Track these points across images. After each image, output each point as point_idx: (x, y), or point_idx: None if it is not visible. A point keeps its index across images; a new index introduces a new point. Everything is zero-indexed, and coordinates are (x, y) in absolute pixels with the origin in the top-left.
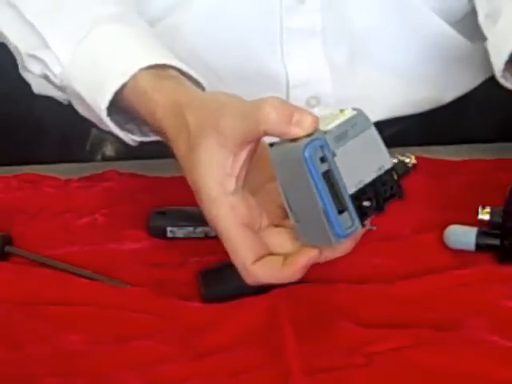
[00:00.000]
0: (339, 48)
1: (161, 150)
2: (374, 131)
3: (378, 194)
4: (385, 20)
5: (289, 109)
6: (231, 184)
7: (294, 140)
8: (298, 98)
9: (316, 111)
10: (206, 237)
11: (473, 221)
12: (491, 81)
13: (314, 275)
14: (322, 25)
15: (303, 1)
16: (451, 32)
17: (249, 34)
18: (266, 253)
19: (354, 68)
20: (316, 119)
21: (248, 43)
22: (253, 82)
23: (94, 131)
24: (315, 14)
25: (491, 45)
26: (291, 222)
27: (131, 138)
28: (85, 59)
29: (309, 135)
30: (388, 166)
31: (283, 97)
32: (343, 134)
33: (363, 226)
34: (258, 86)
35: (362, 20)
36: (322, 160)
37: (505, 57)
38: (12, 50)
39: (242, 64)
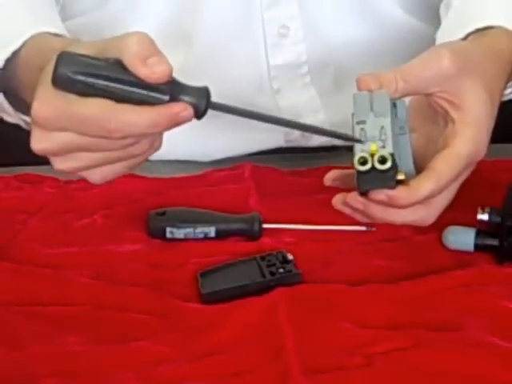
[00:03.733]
0: (325, 73)
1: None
2: None
3: None
4: (366, 35)
5: None
6: None
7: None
8: (290, 130)
9: (311, 142)
10: (206, 237)
11: (472, 221)
12: None
13: (314, 275)
14: (306, 54)
15: (285, 34)
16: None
17: (238, 75)
18: None
19: (342, 91)
20: None
21: (238, 84)
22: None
23: None
24: (299, 46)
25: (438, 37)
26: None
27: (22, 119)
28: None
29: None
30: None
31: (278, 131)
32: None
33: None
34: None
35: (343, 39)
36: None
37: None
38: None
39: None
